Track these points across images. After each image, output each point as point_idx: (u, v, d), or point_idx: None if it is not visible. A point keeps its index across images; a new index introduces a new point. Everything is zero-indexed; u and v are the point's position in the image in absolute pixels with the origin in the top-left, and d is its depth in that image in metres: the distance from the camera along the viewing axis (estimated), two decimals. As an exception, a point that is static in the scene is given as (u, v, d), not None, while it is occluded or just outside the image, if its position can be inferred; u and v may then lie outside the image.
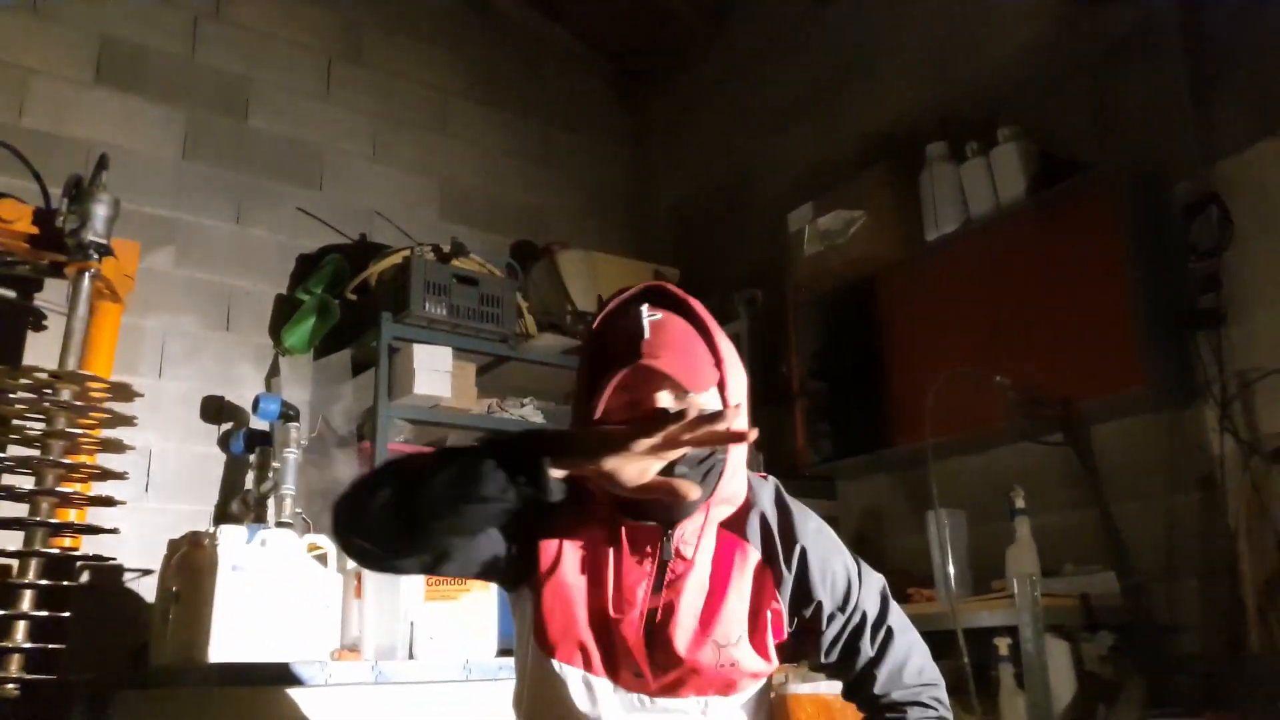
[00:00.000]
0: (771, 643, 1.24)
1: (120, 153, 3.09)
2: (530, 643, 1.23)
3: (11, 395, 2.22)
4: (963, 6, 3.14)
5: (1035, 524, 2.44)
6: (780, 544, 1.26)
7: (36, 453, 2.34)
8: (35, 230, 2.55)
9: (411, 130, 3.98)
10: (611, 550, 1.21)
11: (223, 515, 3.18)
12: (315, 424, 3.21)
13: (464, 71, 4.19)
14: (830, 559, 1.29)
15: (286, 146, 3.64)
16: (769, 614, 1.23)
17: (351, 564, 2.32)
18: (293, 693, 1.81)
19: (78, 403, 2.32)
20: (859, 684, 1.31)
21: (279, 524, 2.74)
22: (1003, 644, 2.31)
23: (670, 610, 1.19)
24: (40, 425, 2.33)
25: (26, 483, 2.38)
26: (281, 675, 1.82)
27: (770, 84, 3.90)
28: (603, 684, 1.20)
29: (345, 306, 3.32)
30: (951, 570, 2.44)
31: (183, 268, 3.34)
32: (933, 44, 3.22)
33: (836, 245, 3.04)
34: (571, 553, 1.22)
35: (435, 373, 3.07)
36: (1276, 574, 2.13)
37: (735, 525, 1.26)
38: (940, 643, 2.34)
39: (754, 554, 1.25)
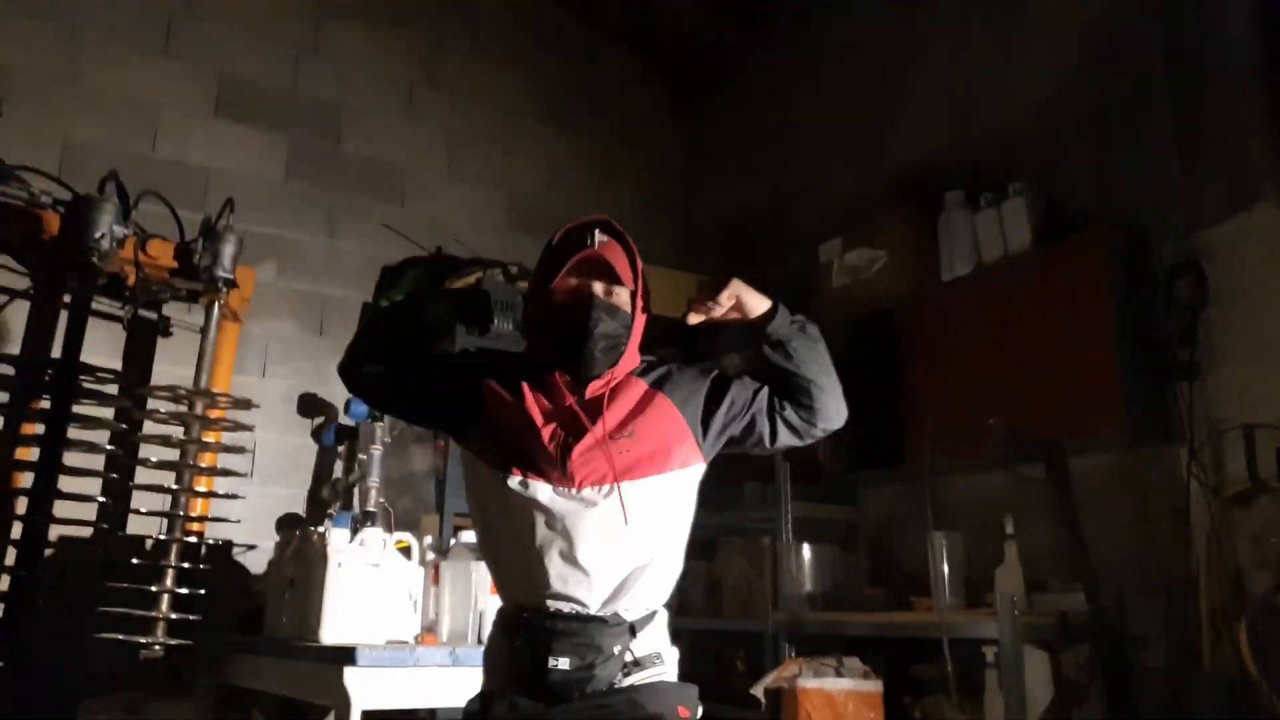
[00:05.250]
0: (678, 437, 1.60)
1: (233, 178, 3.57)
2: (484, 472, 1.58)
3: (161, 409, 2.67)
4: (983, 58, 3.43)
5: (1026, 540, 2.78)
6: (661, 379, 1.67)
7: (173, 454, 2.82)
8: (175, 265, 3.00)
9: (483, 145, 4.37)
10: (541, 392, 1.60)
11: (314, 499, 3.65)
12: (396, 423, 3.63)
13: (532, 92, 4.55)
14: (696, 371, 1.71)
15: (373, 166, 4.06)
16: (665, 415, 1.61)
17: (430, 555, 2.76)
18: (386, 672, 2.24)
19: (210, 415, 2.78)
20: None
21: (365, 512, 3.19)
22: (989, 652, 2.66)
23: (578, 427, 1.56)
24: (179, 431, 2.80)
25: (165, 478, 2.85)
26: (378, 659, 2.24)
27: (806, 114, 4.23)
28: (541, 485, 1.55)
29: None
30: (946, 586, 2.81)
31: (284, 279, 3.79)
32: (957, 91, 3.52)
33: (861, 280, 3.37)
34: (511, 395, 1.60)
35: (503, 378, 3.46)
36: (1231, 603, 2.45)
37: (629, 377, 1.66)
38: (933, 648, 2.72)
39: (643, 386, 1.64)
